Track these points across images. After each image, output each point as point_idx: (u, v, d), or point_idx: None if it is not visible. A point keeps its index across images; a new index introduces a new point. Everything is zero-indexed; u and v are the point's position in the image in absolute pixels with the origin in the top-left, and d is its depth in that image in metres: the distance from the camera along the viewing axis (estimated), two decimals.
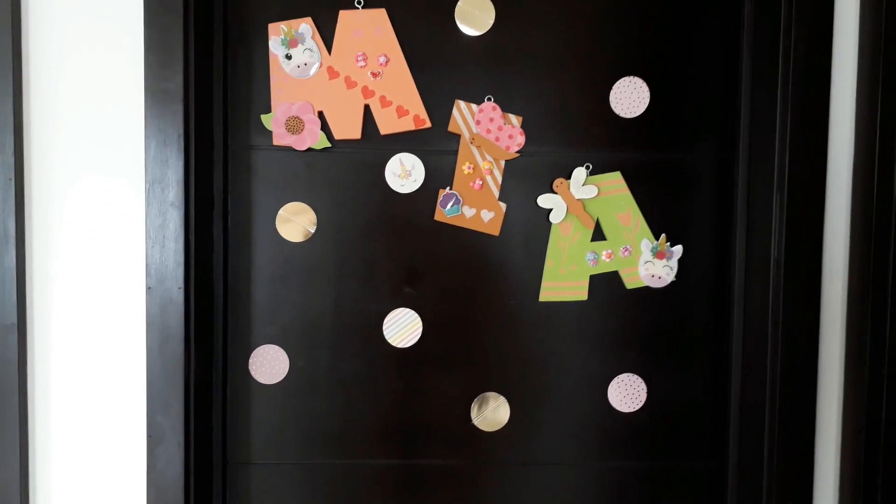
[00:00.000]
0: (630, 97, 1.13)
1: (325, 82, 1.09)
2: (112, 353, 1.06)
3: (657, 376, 1.18)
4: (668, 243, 1.15)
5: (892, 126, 0.98)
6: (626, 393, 1.18)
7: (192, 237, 1.03)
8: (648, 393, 1.18)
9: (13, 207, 1.01)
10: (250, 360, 1.15)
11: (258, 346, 1.15)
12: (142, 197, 1.03)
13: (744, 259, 1.13)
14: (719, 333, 1.17)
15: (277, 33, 1.08)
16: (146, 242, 1.01)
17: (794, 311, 1.04)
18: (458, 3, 1.10)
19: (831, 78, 1.04)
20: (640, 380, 1.18)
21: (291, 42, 1.08)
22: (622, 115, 1.13)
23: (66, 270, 1.04)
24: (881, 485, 0.98)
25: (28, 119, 1.02)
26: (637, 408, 1.18)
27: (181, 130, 1.00)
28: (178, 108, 1.00)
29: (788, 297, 1.04)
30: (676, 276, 1.16)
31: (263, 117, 1.09)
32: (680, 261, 1.15)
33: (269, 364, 1.15)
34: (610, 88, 1.13)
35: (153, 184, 1.01)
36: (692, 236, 1.16)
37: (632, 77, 1.12)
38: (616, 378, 1.17)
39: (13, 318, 1.02)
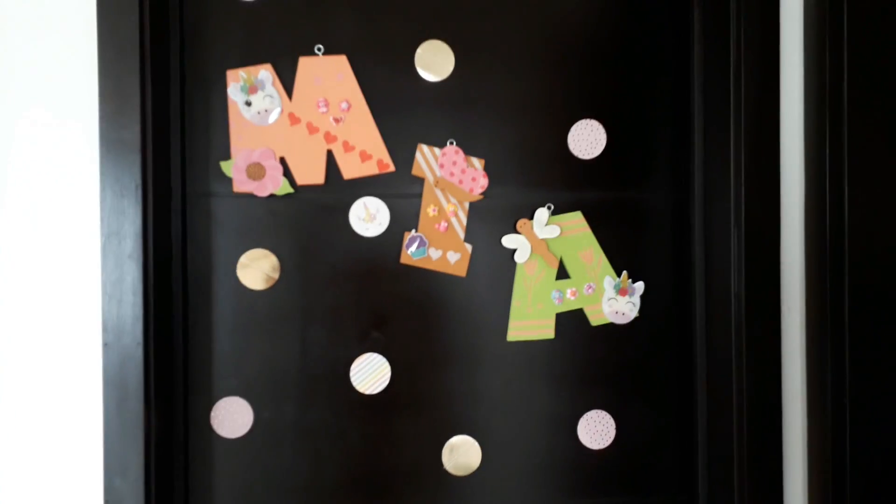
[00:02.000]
0: (587, 139, 1.16)
1: (286, 128, 1.08)
2: (67, 413, 1.00)
3: (625, 412, 1.19)
4: (630, 280, 1.17)
5: (840, 157, 1.03)
6: (596, 430, 1.18)
7: (150, 290, 0.99)
8: (617, 429, 1.19)
9: None
10: (212, 414, 1.10)
11: (220, 398, 1.10)
12: (97, 249, 0.99)
13: (704, 293, 1.16)
14: (684, 366, 1.20)
15: (236, 80, 1.06)
16: (102, 298, 0.97)
17: (755, 343, 1.07)
18: (418, 49, 1.11)
19: (780, 114, 1.09)
20: (608, 416, 1.18)
21: (251, 89, 1.07)
22: (580, 156, 1.16)
23: (17, 327, 0.99)
24: None
25: None
26: (606, 444, 1.19)
27: (139, 180, 0.97)
28: (136, 158, 0.97)
29: (749, 329, 1.07)
30: (640, 312, 1.18)
31: (223, 164, 1.07)
32: (642, 297, 1.18)
33: (231, 417, 1.11)
34: (568, 131, 1.15)
35: (109, 236, 0.97)
36: (653, 273, 1.18)
37: (589, 120, 1.16)
38: (585, 415, 1.18)
39: None
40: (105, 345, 0.98)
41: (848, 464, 1.00)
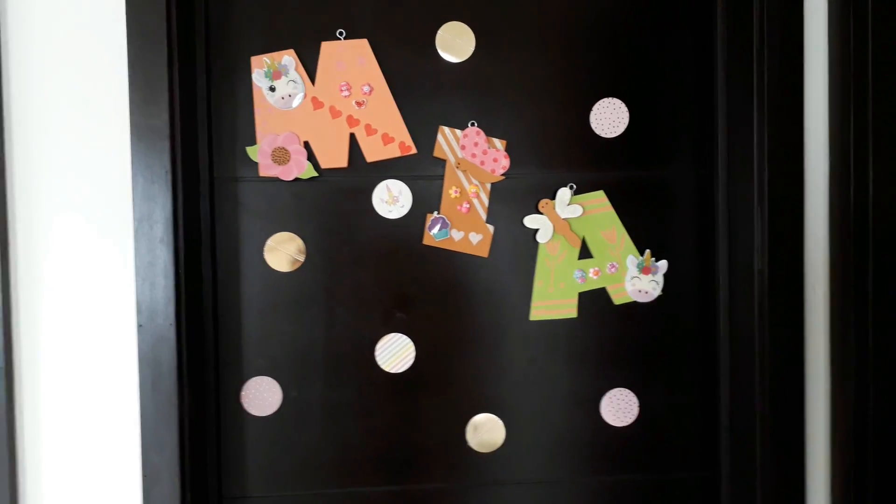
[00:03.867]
0: (610, 118, 1.15)
1: (309, 113, 1.09)
2: (104, 392, 1.04)
3: (648, 389, 1.20)
4: (653, 259, 1.17)
5: (864, 135, 1.01)
6: (618, 407, 1.19)
7: (181, 273, 1.02)
8: (640, 406, 1.19)
9: None
10: (242, 393, 1.14)
11: (250, 378, 1.14)
12: (130, 234, 1.02)
13: (727, 271, 1.16)
14: (707, 344, 1.20)
15: (260, 66, 1.08)
16: (136, 280, 1.00)
17: (779, 320, 1.07)
18: (439, 31, 1.12)
19: (804, 92, 1.07)
20: (631, 394, 1.19)
21: (275, 74, 1.08)
22: (602, 135, 1.16)
23: (54, 311, 1.03)
24: (871, 489, 1.00)
25: (10, 158, 1.01)
26: (629, 422, 1.20)
27: (168, 166, 1.00)
28: (165, 145, 0.99)
29: (773, 307, 1.06)
30: (663, 291, 1.18)
31: (249, 149, 1.09)
32: (665, 275, 1.18)
33: (261, 396, 1.14)
34: (590, 110, 1.15)
35: (141, 221, 1.00)
36: (676, 251, 1.18)
37: (611, 98, 1.15)
38: (608, 393, 1.19)
39: (0, 362, 1.00)
40: (140, 326, 1.01)
41: (871, 442, 0.99)
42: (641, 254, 1.17)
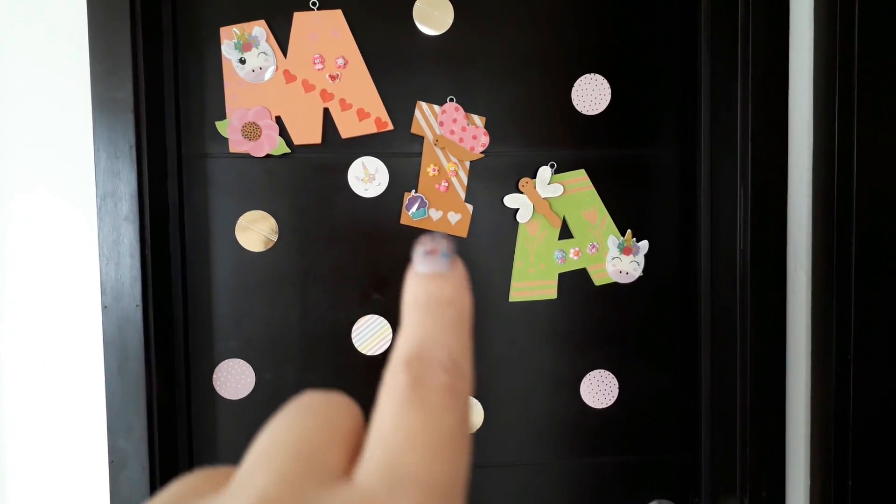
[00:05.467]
0: (592, 94, 1.13)
1: (281, 86, 1.05)
2: (68, 376, 1.01)
3: (628, 371, 1.18)
4: (634, 239, 1.15)
5: (848, 117, 1.00)
6: (598, 389, 1.18)
7: (148, 252, 0.99)
8: (620, 388, 1.18)
9: None
10: (214, 376, 1.11)
11: (222, 360, 1.11)
12: (93, 212, 0.98)
13: (709, 251, 1.14)
14: (688, 326, 1.18)
15: (230, 37, 1.04)
16: (100, 260, 0.96)
17: (760, 301, 1.05)
18: (416, 2, 1.08)
19: (789, 71, 1.05)
20: (611, 375, 1.18)
21: (245, 46, 1.04)
22: (584, 112, 1.13)
23: (14, 292, 0.99)
24: (851, 470, 1.00)
25: None
26: (609, 404, 1.18)
27: (133, 141, 0.96)
28: (129, 118, 0.95)
29: (755, 288, 1.05)
30: (644, 272, 1.16)
31: (218, 124, 1.05)
32: (646, 256, 1.16)
33: (234, 379, 1.11)
34: (572, 86, 1.12)
35: (105, 198, 0.96)
36: (658, 231, 1.16)
37: (593, 74, 1.12)
38: (588, 375, 1.17)
39: None
40: (104, 307, 0.97)
41: (851, 421, 0.99)
42: (623, 234, 1.15)
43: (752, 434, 1.07)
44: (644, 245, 1.15)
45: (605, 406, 1.18)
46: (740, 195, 1.05)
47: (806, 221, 1.08)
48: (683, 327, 1.19)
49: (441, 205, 1.11)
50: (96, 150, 0.95)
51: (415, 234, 1.12)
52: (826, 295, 1.04)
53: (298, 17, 1.05)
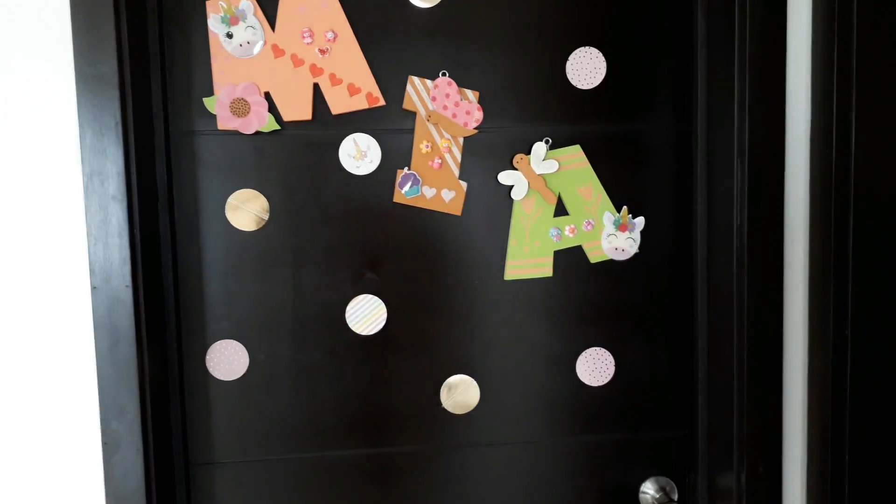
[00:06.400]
0: (586, 68, 1.11)
1: (270, 61, 1.03)
2: (59, 358, 0.99)
3: (624, 349, 1.18)
4: (630, 215, 1.14)
5: (847, 90, 0.98)
6: (594, 367, 1.17)
7: (136, 232, 0.97)
8: (616, 366, 1.18)
9: None
10: (207, 357, 1.09)
11: (215, 341, 1.09)
12: (80, 191, 0.96)
13: (705, 228, 1.13)
14: (684, 302, 1.18)
15: (216, 11, 1.01)
16: (88, 240, 0.95)
17: (757, 277, 1.04)
18: None
19: (787, 42, 1.03)
20: (607, 353, 1.17)
21: (232, 20, 1.02)
22: (579, 86, 1.11)
23: (1, 275, 0.97)
24: (848, 445, 1.00)
25: None
26: (605, 381, 1.18)
27: (118, 117, 0.93)
28: (114, 94, 0.93)
29: (752, 263, 1.04)
30: (640, 248, 1.15)
31: (206, 100, 1.03)
32: (642, 232, 1.15)
33: (227, 360, 1.10)
34: (566, 60, 1.10)
35: (91, 176, 0.94)
36: (653, 207, 1.15)
37: (588, 47, 1.10)
38: (584, 353, 1.17)
39: None
40: (94, 288, 0.96)
41: (848, 397, 0.99)
42: (618, 210, 1.14)
43: (749, 410, 1.06)
44: (640, 221, 1.14)
45: (601, 384, 1.18)
46: (737, 169, 1.04)
47: (803, 195, 1.06)
48: (679, 304, 1.18)
49: (434, 182, 1.09)
50: (81, 127, 0.93)
51: (408, 212, 1.10)
52: (824, 269, 1.03)
53: None
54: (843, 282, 0.99)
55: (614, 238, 1.14)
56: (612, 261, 1.15)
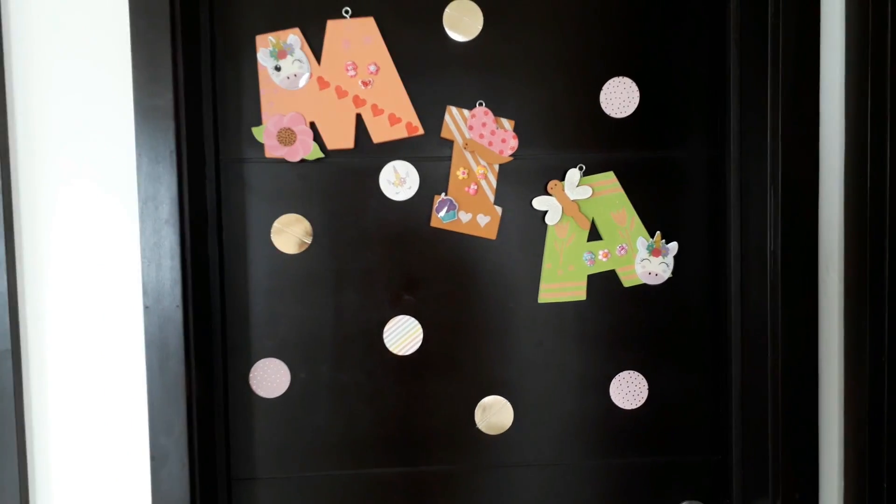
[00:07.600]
0: (620, 97, 1.13)
1: (315, 93, 1.08)
2: (110, 374, 1.04)
3: (658, 372, 1.19)
4: (664, 240, 1.16)
5: (882, 117, 0.99)
6: (628, 390, 1.18)
7: (187, 254, 1.02)
8: (650, 389, 1.19)
9: (2, 231, 0.99)
10: (251, 375, 1.14)
11: (258, 360, 1.14)
12: (135, 215, 1.01)
13: (739, 253, 1.14)
14: (718, 327, 1.18)
15: (265, 45, 1.07)
16: (142, 261, 1.00)
17: (792, 303, 1.05)
18: (446, 9, 1.10)
19: (820, 71, 1.05)
20: (640, 377, 1.18)
21: (280, 53, 1.07)
22: (613, 115, 1.14)
23: (60, 293, 1.03)
24: (886, 473, 0.99)
25: (14, 139, 1.00)
26: (639, 404, 1.19)
27: (173, 146, 0.99)
28: (170, 124, 0.98)
29: (786, 289, 1.05)
30: (673, 273, 1.16)
31: (255, 130, 1.08)
32: (676, 257, 1.16)
33: (269, 378, 1.14)
34: (600, 89, 1.13)
35: (146, 201, 0.99)
36: (687, 233, 1.17)
37: (621, 77, 1.13)
38: (617, 376, 1.18)
39: (7, 345, 1.00)
40: (146, 308, 1.01)
41: (886, 426, 0.98)
42: (652, 236, 1.16)
43: (784, 435, 1.06)
44: (673, 246, 1.16)
45: (634, 407, 1.19)
46: (770, 196, 1.05)
47: (838, 222, 1.07)
48: (713, 328, 1.19)
49: (470, 207, 1.13)
50: (138, 156, 0.99)
51: (445, 236, 1.13)
52: (859, 296, 1.03)
53: (332, 24, 1.07)
54: (879, 308, 0.99)
55: (647, 263, 1.16)
56: (645, 285, 1.17)
